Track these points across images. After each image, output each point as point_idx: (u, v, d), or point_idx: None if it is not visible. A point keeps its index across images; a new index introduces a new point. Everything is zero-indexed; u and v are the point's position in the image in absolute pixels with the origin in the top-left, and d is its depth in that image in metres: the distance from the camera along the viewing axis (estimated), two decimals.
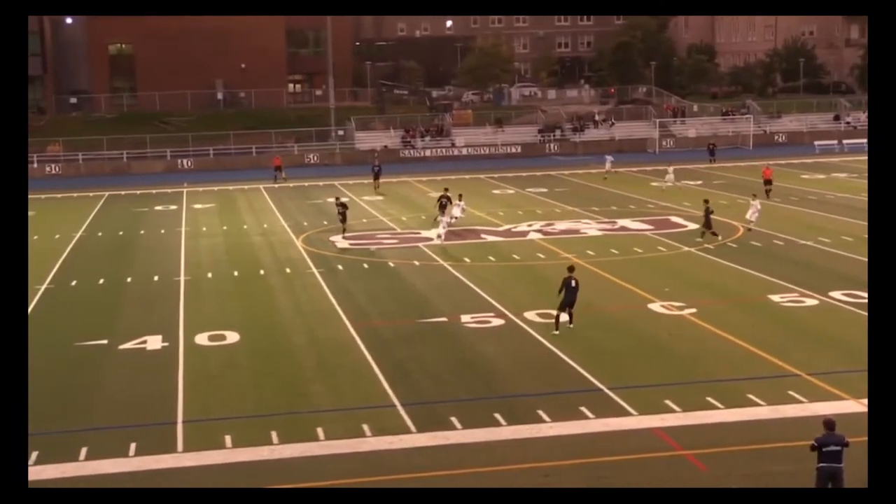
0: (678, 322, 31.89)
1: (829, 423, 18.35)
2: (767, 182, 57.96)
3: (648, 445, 21.89)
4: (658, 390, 25.22)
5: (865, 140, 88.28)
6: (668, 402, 24.28)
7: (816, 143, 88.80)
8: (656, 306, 33.67)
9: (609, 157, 74.16)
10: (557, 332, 30.25)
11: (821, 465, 18.14)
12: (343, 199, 51.58)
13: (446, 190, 52.83)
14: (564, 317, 30.88)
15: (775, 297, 34.37)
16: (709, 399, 24.43)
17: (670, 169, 65.23)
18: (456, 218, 49.38)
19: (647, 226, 49.82)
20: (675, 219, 51.40)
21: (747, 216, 47.54)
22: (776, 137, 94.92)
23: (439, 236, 46.89)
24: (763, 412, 23.70)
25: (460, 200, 50.27)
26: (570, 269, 31.64)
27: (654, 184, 65.42)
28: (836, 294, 34.39)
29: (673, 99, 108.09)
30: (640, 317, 32.73)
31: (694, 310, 32.86)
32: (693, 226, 48.69)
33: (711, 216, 44.64)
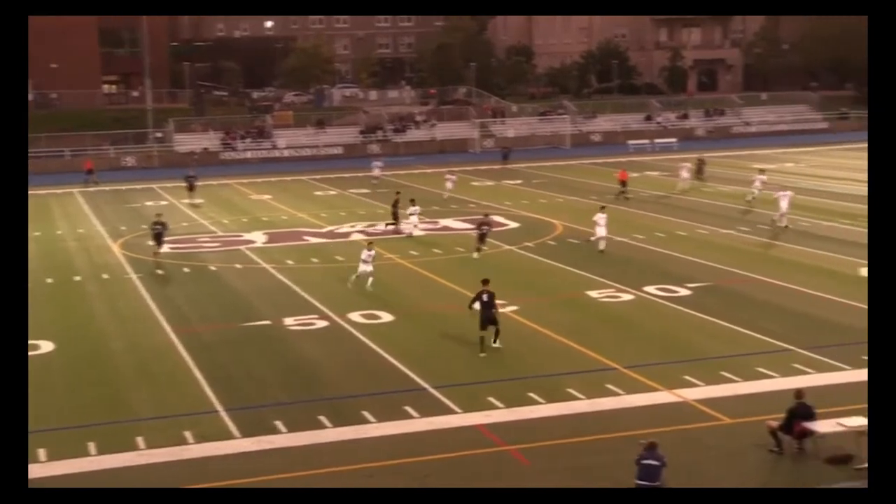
0: (501, 319, 32.33)
1: (651, 444, 18.73)
2: (622, 184, 58.71)
3: (473, 442, 22.17)
4: (481, 387, 25.57)
5: (675, 139, 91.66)
6: (491, 398, 24.64)
7: (630, 142, 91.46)
8: (478, 305, 34.00)
9: (377, 163, 71.03)
10: (483, 355, 28.18)
11: (637, 482, 18.36)
12: (163, 220, 44.21)
13: (398, 193, 51.88)
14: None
15: (593, 294, 35.26)
16: (531, 394, 24.90)
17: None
18: (415, 216, 48.21)
19: (469, 225, 50.38)
20: (496, 218, 52.17)
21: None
22: (592, 137, 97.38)
23: (415, 226, 47.47)
24: (582, 406, 24.29)
25: (414, 205, 49.05)
26: (484, 281, 29.25)
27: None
28: (650, 289, 35.52)
29: (492, 100, 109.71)
30: (463, 315, 33.00)
31: (516, 307, 33.41)
32: (514, 224, 49.54)
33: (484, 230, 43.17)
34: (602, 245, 42.05)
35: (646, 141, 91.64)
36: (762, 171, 57.88)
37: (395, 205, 49.62)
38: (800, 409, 21.06)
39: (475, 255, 41.81)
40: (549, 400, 24.58)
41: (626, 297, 34.86)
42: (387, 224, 50.06)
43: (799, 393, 21.51)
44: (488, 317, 28.63)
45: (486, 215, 45.43)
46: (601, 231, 42.23)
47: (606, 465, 20.62)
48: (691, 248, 42.94)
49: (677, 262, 40.21)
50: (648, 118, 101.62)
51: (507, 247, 44.23)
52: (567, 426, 23.01)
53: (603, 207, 44.83)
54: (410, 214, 47.80)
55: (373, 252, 36.75)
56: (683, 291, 35.16)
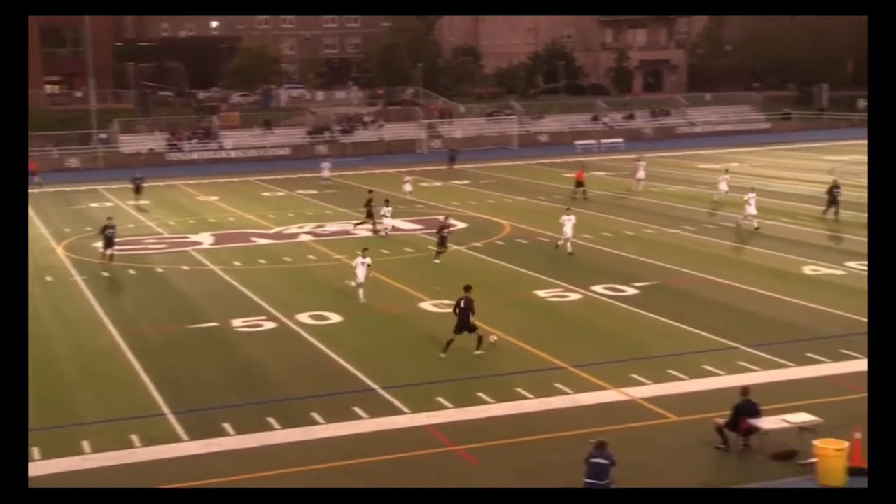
0: (449, 320, 32.34)
1: (601, 442, 18.77)
2: (579, 184, 58.36)
3: (422, 442, 22.17)
4: (430, 387, 25.58)
5: (621, 139, 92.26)
6: (440, 398, 24.66)
7: (577, 142, 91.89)
8: (427, 305, 34.12)
9: (326, 164, 70.34)
10: (443, 356, 27.91)
11: (586, 480, 18.41)
12: (114, 223, 43.04)
13: (371, 192, 51.30)
14: (493, 339, 29.23)
15: (541, 293, 35.40)
16: (479, 394, 24.95)
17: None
18: (386, 217, 47.72)
19: (417, 225, 50.42)
20: (441, 218, 52.13)
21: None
22: (539, 137, 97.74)
23: (385, 228, 47.12)
24: (531, 405, 24.38)
25: (388, 205, 48.54)
26: (466, 288, 28.62)
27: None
28: (598, 288, 35.72)
29: (440, 100, 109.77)
30: (411, 315, 33.10)
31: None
32: (462, 225, 49.60)
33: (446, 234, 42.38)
34: (569, 247, 41.66)
35: (592, 141, 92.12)
36: (727, 171, 58.06)
37: (368, 204, 49.35)
38: (745, 406, 21.29)
39: (436, 260, 40.95)
40: (498, 400, 24.64)
41: (575, 296, 35.03)
42: (356, 224, 49.83)
43: (744, 390, 21.75)
44: (464, 322, 28.16)
45: (446, 218, 45.24)
46: (568, 232, 41.88)
47: (556, 464, 20.71)
48: (638, 247, 43.24)
49: (625, 261, 40.48)
50: (595, 118, 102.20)
51: (456, 247, 44.25)
52: (516, 426, 23.08)
53: (568, 209, 44.60)
54: (384, 215, 47.52)
55: (367, 260, 34.63)
56: (631, 291, 35.39)
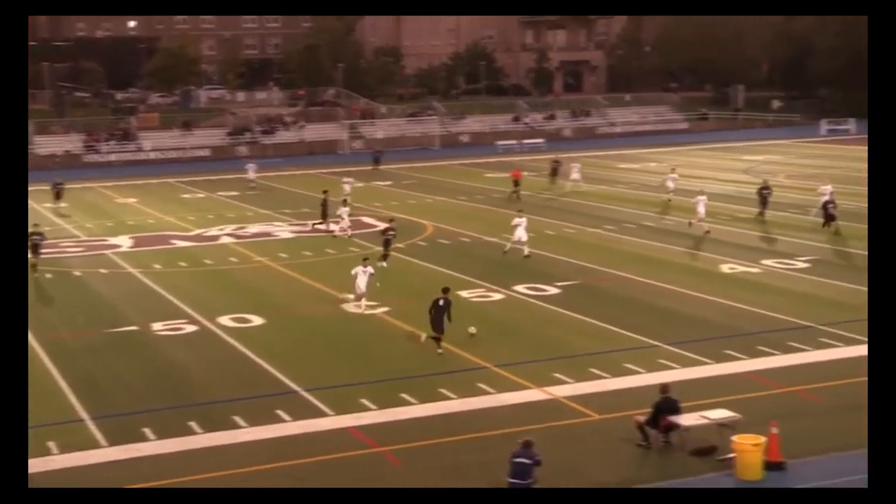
0: (372, 321, 32.37)
1: (526, 442, 18.92)
2: (515, 184, 58.11)
3: (345, 445, 22.11)
4: (354, 389, 25.52)
5: (542, 140, 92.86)
6: (363, 400, 24.62)
7: (498, 142, 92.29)
8: (350, 306, 34.03)
9: (251, 165, 68.76)
10: (441, 351, 28.21)
11: (509, 480, 18.47)
12: (40, 229, 41.61)
13: (326, 192, 50.59)
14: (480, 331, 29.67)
15: (464, 294, 35.47)
16: (403, 395, 24.95)
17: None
18: (343, 218, 46.93)
19: (339, 227, 50.20)
20: (366, 219, 52.11)
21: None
22: (461, 138, 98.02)
23: (343, 228, 46.24)
24: (454, 405, 24.45)
25: (345, 206, 47.79)
26: (444, 290, 29.12)
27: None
28: (520, 288, 35.93)
29: (362, 101, 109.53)
30: (334, 317, 33.01)
31: (387, 308, 33.44)
32: (385, 226, 49.48)
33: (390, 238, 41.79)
34: (526, 250, 40.96)
35: (514, 141, 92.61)
36: (673, 170, 57.99)
37: (323, 204, 48.94)
38: (665, 404, 21.56)
39: (383, 263, 39.64)
40: (422, 400, 24.67)
41: (497, 296, 35.19)
42: (314, 225, 49.47)
43: (664, 388, 22.03)
44: (438, 322, 28.27)
45: (391, 220, 43.65)
46: (522, 235, 41.21)
47: (480, 464, 20.79)
48: (560, 247, 43.55)
49: (546, 261, 40.74)
50: (516, 119, 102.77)
51: (378, 248, 44.15)
52: (440, 426, 23.13)
53: (520, 211, 43.85)
54: (339, 215, 47.00)
55: (370, 269, 33.37)
56: (552, 290, 35.65)
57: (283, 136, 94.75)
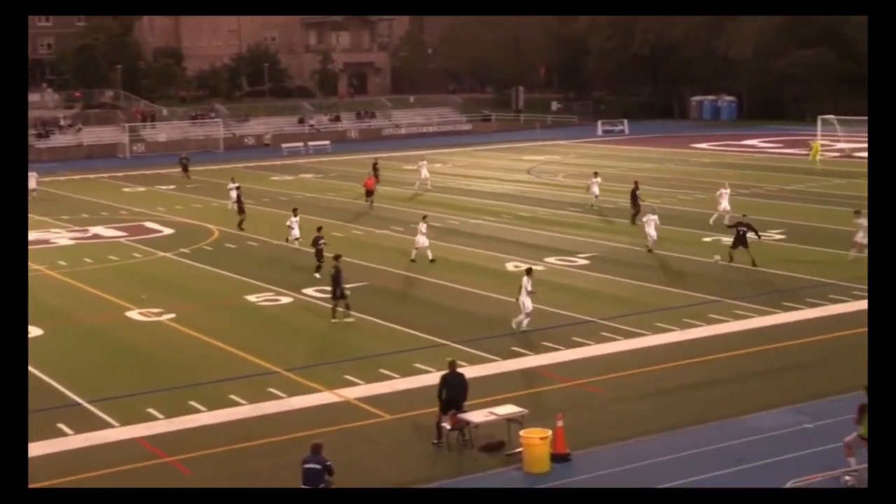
0: (157, 328, 31.66)
1: (315, 446, 18.63)
2: (369, 193, 55.80)
3: (133, 456, 21.56)
4: (140, 399, 24.91)
5: (328, 142, 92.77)
6: (150, 410, 24.06)
7: (284, 145, 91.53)
8: (134, 314, 33.20)
9: (32, 174, 61.00)
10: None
11: (302, 485, 18.37)
12: None
13: (238, 187, 50.42)
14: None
15: (251, 297, 35.13)
16: (192, 403, 24.51)
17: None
18: (293, 229, 43.66)
19: (121, 232, 48.91)
20: (149, 224, 50.91)
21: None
22: (245, 140, 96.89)
23: (293, 238, 43.39)
24: (245, 411, 24.18)
25: (295, 216, 44.38)
26: (336, 257, 32.10)
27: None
28: (309, 290, 35.80)
29: (142, 103, 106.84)
30: (117, 325, 32.12)
31: (173, 315, 32.77)
32: (168, 231, 48.50)
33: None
34: (429, 255, 40.03)
35: (300, 144, 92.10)
36: (596, 175, 54.44)
37: (238, 200, 49.61)
38: (452, 378, 21.97)
39: (316, 274, 37.44)
40: (211, 407, 24.30)
41: (285, 299, 34.98)
42: (239, 224, 48.29)
43: (452, 364, 22.55)
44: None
45: (319, 229, 39.44)
46: (423, 241, 40.10)
47: (271, 469, 20.66)
48: (347, 248, 43.50)
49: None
50: (301, 121, 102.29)
51: (162, 253, 43.24)
52: (230, 432, 22.83)
53: (425, 216, 42.03)
54: (289, 226, 43.54)
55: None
56: None
57: (59, 140, 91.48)
